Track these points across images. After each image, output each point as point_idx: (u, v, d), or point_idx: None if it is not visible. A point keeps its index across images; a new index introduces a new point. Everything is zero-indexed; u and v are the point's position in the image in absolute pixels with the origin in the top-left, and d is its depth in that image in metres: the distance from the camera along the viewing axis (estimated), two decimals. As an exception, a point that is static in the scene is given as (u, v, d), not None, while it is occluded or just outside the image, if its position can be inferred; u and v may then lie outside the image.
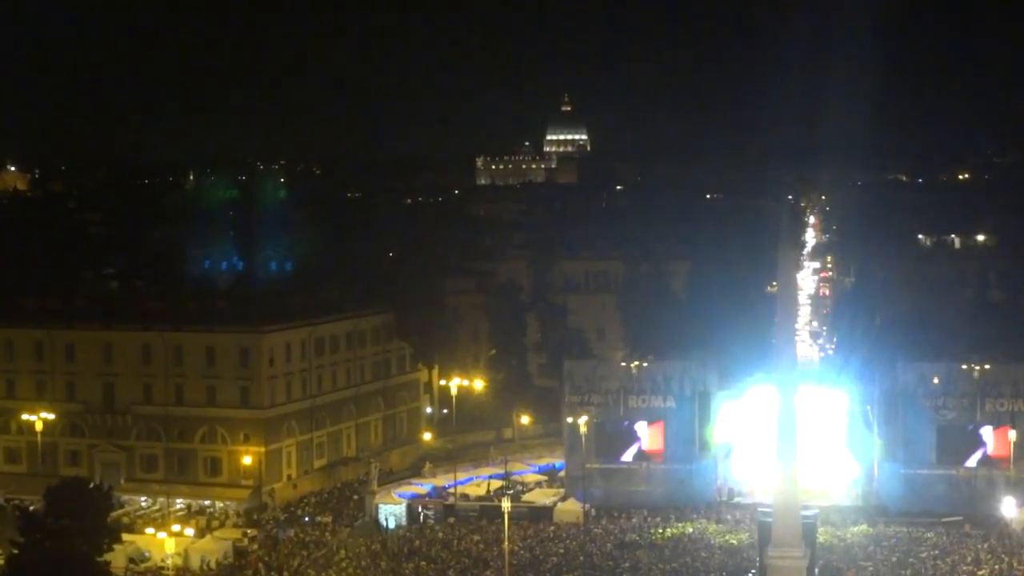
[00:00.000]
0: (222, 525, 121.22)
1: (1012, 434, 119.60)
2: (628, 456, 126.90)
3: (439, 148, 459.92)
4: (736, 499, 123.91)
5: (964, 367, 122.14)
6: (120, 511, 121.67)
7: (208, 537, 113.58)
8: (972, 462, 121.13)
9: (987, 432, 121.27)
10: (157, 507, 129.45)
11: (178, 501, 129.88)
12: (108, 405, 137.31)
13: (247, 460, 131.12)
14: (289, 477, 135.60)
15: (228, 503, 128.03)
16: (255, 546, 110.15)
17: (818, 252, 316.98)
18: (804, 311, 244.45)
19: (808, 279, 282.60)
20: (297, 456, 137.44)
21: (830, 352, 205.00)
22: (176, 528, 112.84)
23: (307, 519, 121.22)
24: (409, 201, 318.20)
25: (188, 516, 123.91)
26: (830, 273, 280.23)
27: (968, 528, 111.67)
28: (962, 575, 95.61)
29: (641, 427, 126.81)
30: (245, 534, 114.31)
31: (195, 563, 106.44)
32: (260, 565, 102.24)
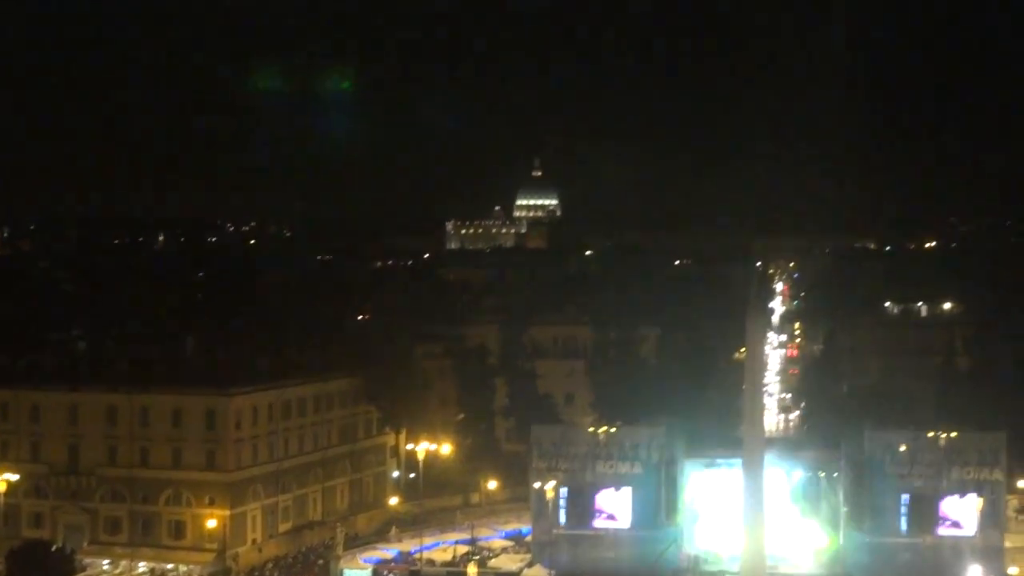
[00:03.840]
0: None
1: (977, 502, 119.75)
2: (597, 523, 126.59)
3: (409, 212, 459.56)
4: (702, 567, 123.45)
5: (931, 435, 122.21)
6: (83, 574, 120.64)
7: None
8: (938, 531, 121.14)
9: (953, 501, 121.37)
10: (120, 570, 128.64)
11: (141, 565, 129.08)
12: (72, 466, 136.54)
13: (212, 523, 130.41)
14: (254, 541, 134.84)
15: (192, 567, 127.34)
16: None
17: (786, 319, 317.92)
18: (772, 379, 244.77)
19: (775, 351, 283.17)
20: (262, 520, 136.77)
21: (797, 419, 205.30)
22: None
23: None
24: (379, 264, 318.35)
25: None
26: (798, 342, 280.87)
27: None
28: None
29: (608, 494, 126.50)
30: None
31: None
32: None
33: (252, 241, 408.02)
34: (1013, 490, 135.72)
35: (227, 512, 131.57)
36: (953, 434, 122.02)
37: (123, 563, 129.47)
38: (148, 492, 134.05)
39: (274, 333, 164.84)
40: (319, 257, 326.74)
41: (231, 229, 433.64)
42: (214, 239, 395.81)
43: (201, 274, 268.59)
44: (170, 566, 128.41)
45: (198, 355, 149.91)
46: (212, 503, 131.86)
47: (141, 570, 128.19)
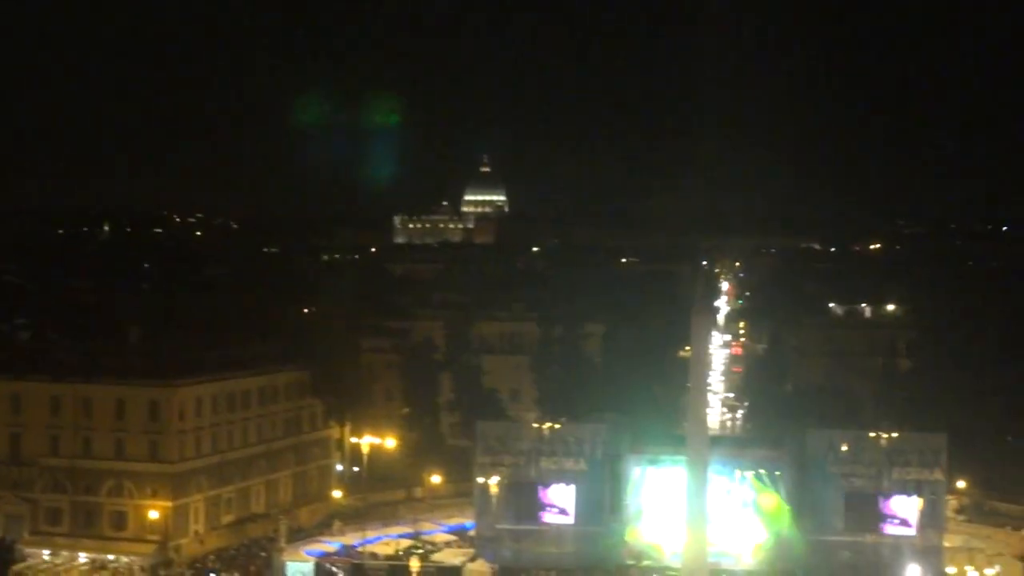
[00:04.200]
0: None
1: (917, 502, 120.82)
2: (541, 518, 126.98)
3: (357, 206, 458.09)
4: (645, 562, 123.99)
5: (872, 435, 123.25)
6: (22, 565, 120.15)
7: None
8: (878, 529, 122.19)
9: (894, 501, 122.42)
10: (60, 561, 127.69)
11: (82, 556, 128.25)
12: (14, 456, 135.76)
13: (154, 515, 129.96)
14: (196, 533, 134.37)
15: (133, 558, 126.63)
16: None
17: (731, 318, 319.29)
18: (716, 378, 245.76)
19: (720, 349, 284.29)
20: (205, 512, 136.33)
21: (741, 417, 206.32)
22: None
23: (213, 575, 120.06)
24: (326, 258, 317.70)
25: (92, 571, 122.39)
26: (743, 341, 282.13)
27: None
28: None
29: (551, 490, 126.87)
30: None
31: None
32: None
33: (198, 233, 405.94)
34: (953, 491, 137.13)
35: (169, 504, 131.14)
36: (894, 434, 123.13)
37: (64, 554, 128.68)
38: (90, 483, 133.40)
39: (219, 325, 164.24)
40: (265, 250, 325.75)
41: (177, 221, 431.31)
42: (160, 230, 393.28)
43: (146, 265, 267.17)
44: (111, 557, 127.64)
45: (142, 346, 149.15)
46: (154, 494, 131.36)
47: (82, 561, 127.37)
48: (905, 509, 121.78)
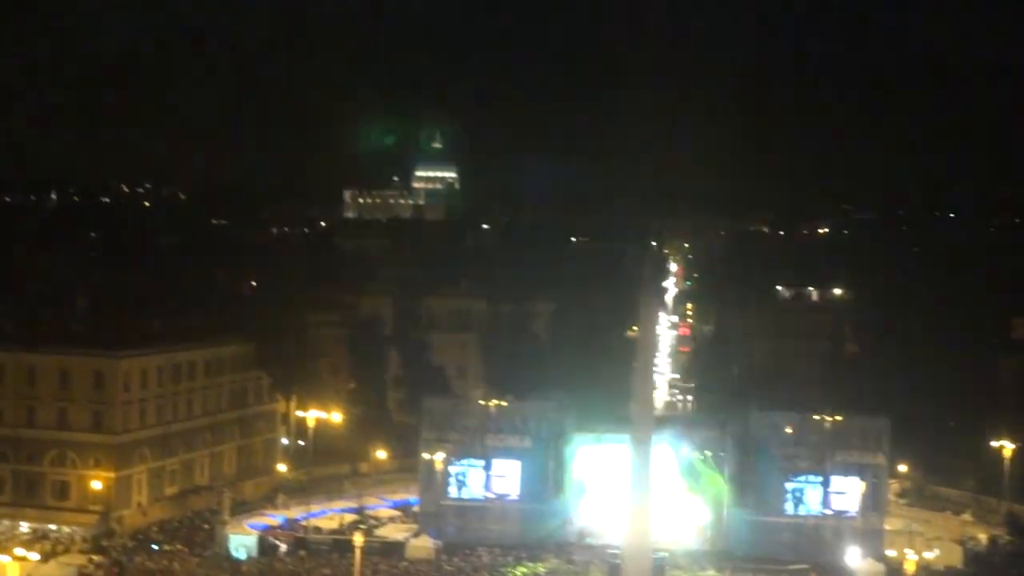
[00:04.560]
0: (68, 550, 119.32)
1: (859, 485, 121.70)
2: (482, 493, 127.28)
3: (307, 179, 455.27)
4: (588, 540, 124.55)
5: (816, 418, 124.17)
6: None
7: (52, 562, 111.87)
8: (820, 512, 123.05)
9: (836, 483, 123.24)
10: (1, 530, 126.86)
11: (23, 525, 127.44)
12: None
13: (97, 485, 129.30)
14: (139, 504, 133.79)
15: (75, 528, 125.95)
16: (100, 573, 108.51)
17: (679, 299, 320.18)
18: (663, 358, 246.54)
19: (667, 330, 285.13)
20: (148, 483, 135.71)
21: (686, 398, 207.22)
22: (20, 552, 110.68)
23: (155, 547, 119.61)
24: (275, 231, 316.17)
25: (33, 540, 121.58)
26: (690, 322, 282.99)
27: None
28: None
29: (496, 466, 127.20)
30: (91, 560, 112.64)
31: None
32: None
33: (146, 203, 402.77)
34: (894, 474, 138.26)
35: (112, 474, 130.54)
36: (838, 417, 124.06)
37: (5, 523, 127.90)
38: (33, 452, 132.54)
39: (166, 296, 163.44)
40: (214, 221, 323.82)
41: (125, 190, 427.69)
42: (107, 200, 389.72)
43: (93, 234, 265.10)
44: (53, 527, 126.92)
45: (88, 316, 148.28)
46: (98, 465, 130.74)
47: (23, 530, 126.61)
48: (847, 492, 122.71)
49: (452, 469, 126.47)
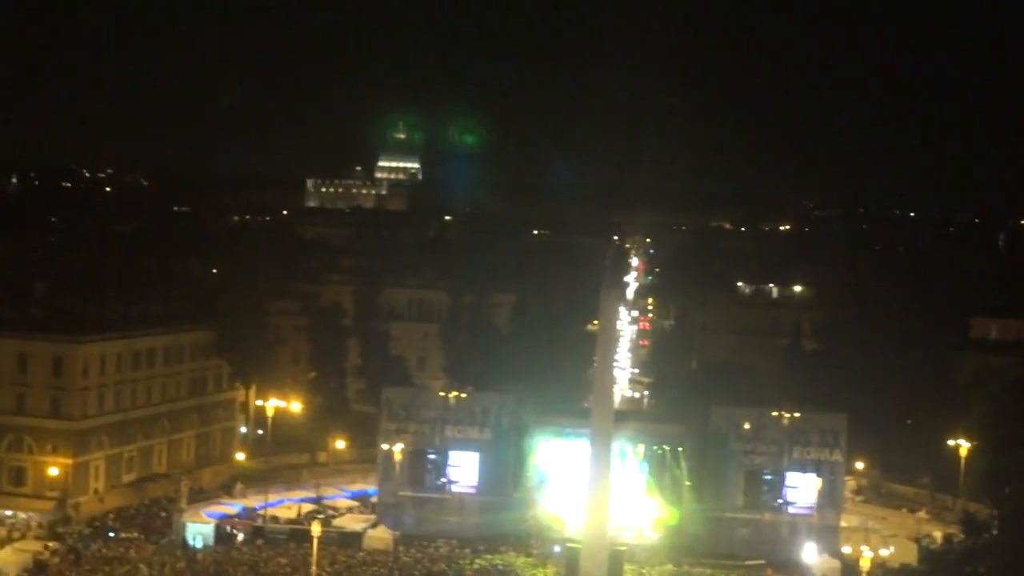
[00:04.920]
0: (23, 536, 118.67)
1: (816, 482, 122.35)
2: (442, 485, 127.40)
3: (269, 167, 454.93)
4: (546, 533, 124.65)
5: (774, 414, 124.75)
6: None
7: (8, 548, 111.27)
8: (776, 507, 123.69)
9: (793, 479, 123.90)
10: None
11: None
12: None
13: (53, 471, 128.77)
14: (96, 491, 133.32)
15: (31, 514, 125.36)
16: (56, 559, 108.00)
17: (640, 294, 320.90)
18: (624, 352, 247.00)
19: (628, 325, 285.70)
20: (106, 470, 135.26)
21: (646, 393, 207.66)
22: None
23: (112, 534, 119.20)
24: (236, 219, 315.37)
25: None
26: (651, 317, 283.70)
27: (770, 572, 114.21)
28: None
29: (455, 458, 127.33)
30: (47, 547, 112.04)
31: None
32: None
33: (108, 188, 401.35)
34: (851, 471, 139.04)
35: (70, 461, 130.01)
36: (796, 414, 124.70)
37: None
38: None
39: (126, 283, 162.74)
40: (175, 208, 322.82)
41: (87, 175, 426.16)
42: (69, 184, 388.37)
43: (53, 219, 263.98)
44: (9, 513, 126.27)
45: (47, 301, 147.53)
46: (55, 451, 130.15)
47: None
48: (804, 489, 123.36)
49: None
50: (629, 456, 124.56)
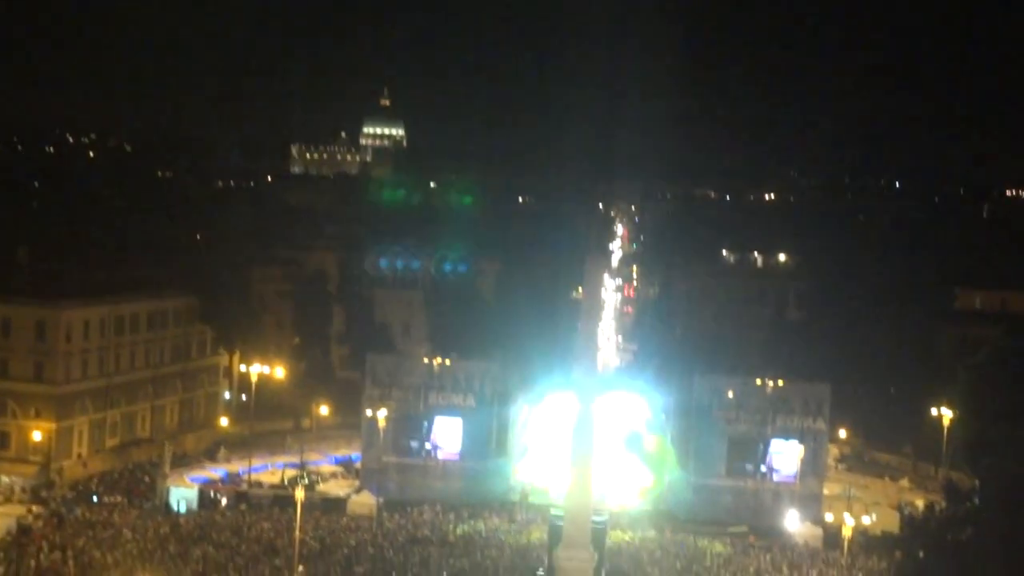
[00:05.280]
0: (7, 500, 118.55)
1: (799, 450, 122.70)
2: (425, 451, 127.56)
3: (253, 133, 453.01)
4: (529, 500, 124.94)
5: (758, 382, 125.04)
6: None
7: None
8: (760, 475, 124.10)
9: (777, 447, 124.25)
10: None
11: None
12: None
13: (37, 436, 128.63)
14: (79, 455, 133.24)
15: (14, 478, 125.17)
16: (40, 523, 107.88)
17: (625, 262, 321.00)
18: (608, 320, 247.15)
19: (612, 293, 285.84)
20: (89, 434, 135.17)
21: (630, 361, 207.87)
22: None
23: (96, 499, 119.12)
24: (220, 184, 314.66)
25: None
26: (635, 285, 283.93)
27: (753, 539, 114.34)
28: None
29: (439, 424, 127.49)
30: (30, 511, 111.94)
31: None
32: (43, 543, 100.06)
33: (91, 154, 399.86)
34: (834, 440, 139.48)
35: (53, 425, 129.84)
36: (779, 383, 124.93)
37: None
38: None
39: (110, 248, 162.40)
40: (159, 173, 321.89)
41: (70, 141, 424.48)
42: (51, 150, 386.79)
43: (37, 184, 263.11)
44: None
45: (30, 266, 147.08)
46: (38, 415, 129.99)
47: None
48: (787, 456, 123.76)
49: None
50: (613, 423, 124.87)
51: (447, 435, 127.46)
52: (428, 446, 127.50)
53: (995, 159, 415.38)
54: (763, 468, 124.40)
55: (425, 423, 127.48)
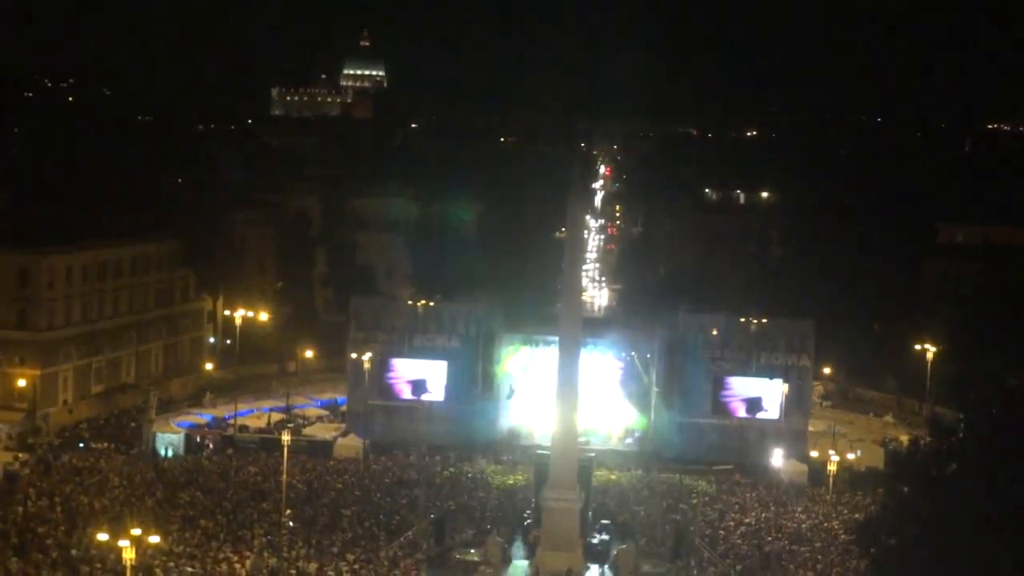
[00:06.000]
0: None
1: (784, 387, 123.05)
2: (408, 393, 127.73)
3: (233, 76, 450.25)
4: (515, 440, 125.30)
5: (742, 320, 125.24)
6: None
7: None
8: (745, 414, 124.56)
9: (761, 384, 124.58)
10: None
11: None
12: None
13: (22, 383, 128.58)
14: (65, 402, 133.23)
15: (1, 425, 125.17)
16: (27, 470, 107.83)
17: (608, 202, 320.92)
18: (592, 260, 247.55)
19: (596, 233, 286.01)
20: (74, 381, 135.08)
21: (614, 299, 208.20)
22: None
23: (82, 445, 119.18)
24: (200, 128, 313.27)
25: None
26: (618, 224, 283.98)
27: (738, 477, 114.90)
28: (730, 522, 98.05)
29: (424, 366, 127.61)
30: (17, 458, 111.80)
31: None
32: (31, 490, 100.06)
33: (71, 98, 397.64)
34: (819, 376, 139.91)
35: (38, 372, 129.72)
36: (763, 320, 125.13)
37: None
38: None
39: (91, 193, 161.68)
40: (139, 117, 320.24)
41: (49, 85, 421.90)
42: (30, 94, 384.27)
43: (16, 130, 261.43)
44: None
45: (11, 212, 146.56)
46: (23, 362, 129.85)
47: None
48: (772, 393, 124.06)
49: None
50: (598, 363, 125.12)
51: (432, 377, 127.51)
52: (413, 388, 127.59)
53: (977, 92, 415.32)
54: (748, 406, 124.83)
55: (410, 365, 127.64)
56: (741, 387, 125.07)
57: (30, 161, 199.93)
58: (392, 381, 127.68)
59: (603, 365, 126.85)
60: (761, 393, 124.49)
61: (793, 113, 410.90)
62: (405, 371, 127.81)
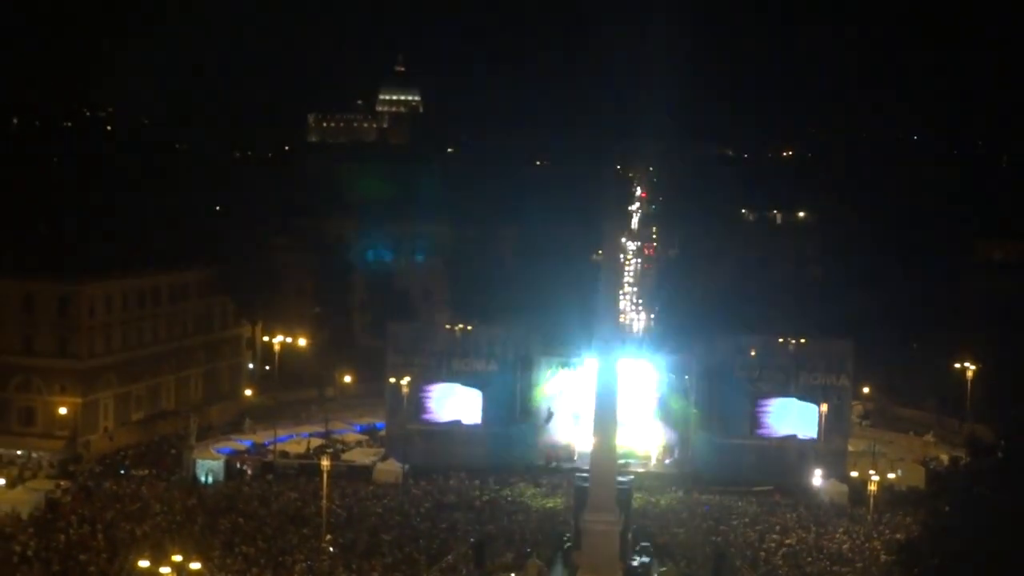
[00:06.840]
0: (35, 476, 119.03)
1: (823, 408, 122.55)
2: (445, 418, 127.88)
3: (270, 103, 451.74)
4: (554, 464, 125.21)
5: (780, 340, 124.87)
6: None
7: (20, 488, 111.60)
8: (784, 434, 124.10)
9: (800, 405, 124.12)
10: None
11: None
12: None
13: (63, 411, 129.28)
14: (106, 429, 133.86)
15: (42, 454, 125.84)
16: (68, 498, 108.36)
17: (644, 223, 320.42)
18: (629, 282, 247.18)
19: (632, 255, 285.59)
20: (115, 408, 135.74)
21: (652, 321, 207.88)
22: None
23: (123, 472, 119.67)
24: (238, 155, 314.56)
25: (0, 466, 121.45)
26: (655, 246, 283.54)
27: (778, 498, 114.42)
28: (770, 543, 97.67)
29: (463, 391, 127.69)
30: (58, 485, 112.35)
31: (5, 514, 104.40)
32: (73, 517, 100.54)
33: (109, 127, 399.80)
34: (857, 396, 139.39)
35: (79, 400, 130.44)
36: (802, 340, 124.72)
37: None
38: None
39: (130, 221, 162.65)
40: (177, 145, 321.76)
41: (88, 115, 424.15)
42: (70, 124, 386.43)
43: (55, 159, 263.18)
44: (19, 452, 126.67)
45: (51, 241, 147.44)
46: (64, 390, 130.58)
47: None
48: (810, 414, 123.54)
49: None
50: (636, 384, 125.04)
51: (470, 401, 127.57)
52: (452, 413, 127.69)
53: (1014, 111, 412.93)
54: (786, 427, 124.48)
55: (449, 389, 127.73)
56: (780, 409, 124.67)
57: (70, 190, 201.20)
58: (429, 405, 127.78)
59: (641, 385, 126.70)
60: (799, 415, 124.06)
61: (831, 132, 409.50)
62: (443, 395, 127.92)
